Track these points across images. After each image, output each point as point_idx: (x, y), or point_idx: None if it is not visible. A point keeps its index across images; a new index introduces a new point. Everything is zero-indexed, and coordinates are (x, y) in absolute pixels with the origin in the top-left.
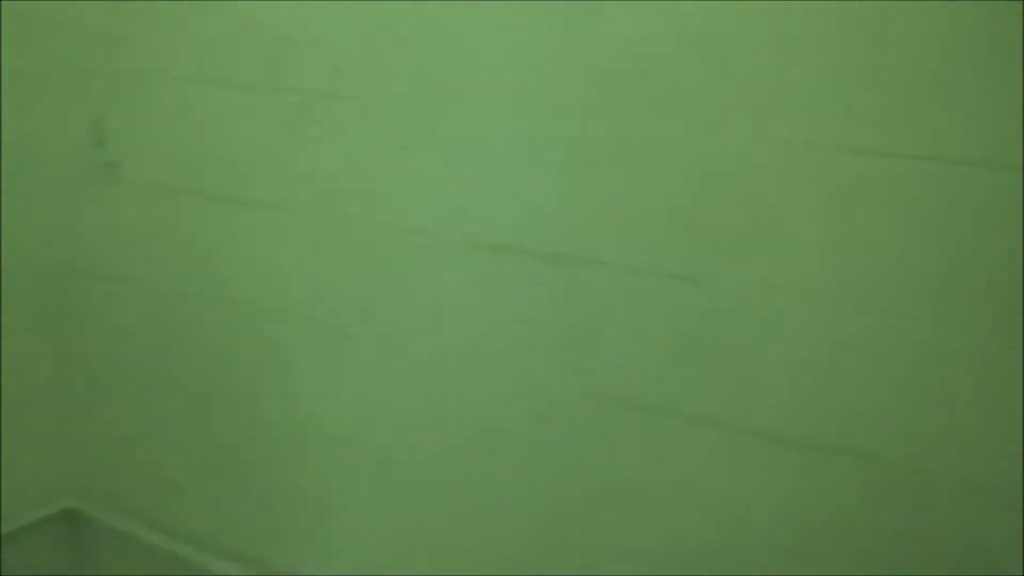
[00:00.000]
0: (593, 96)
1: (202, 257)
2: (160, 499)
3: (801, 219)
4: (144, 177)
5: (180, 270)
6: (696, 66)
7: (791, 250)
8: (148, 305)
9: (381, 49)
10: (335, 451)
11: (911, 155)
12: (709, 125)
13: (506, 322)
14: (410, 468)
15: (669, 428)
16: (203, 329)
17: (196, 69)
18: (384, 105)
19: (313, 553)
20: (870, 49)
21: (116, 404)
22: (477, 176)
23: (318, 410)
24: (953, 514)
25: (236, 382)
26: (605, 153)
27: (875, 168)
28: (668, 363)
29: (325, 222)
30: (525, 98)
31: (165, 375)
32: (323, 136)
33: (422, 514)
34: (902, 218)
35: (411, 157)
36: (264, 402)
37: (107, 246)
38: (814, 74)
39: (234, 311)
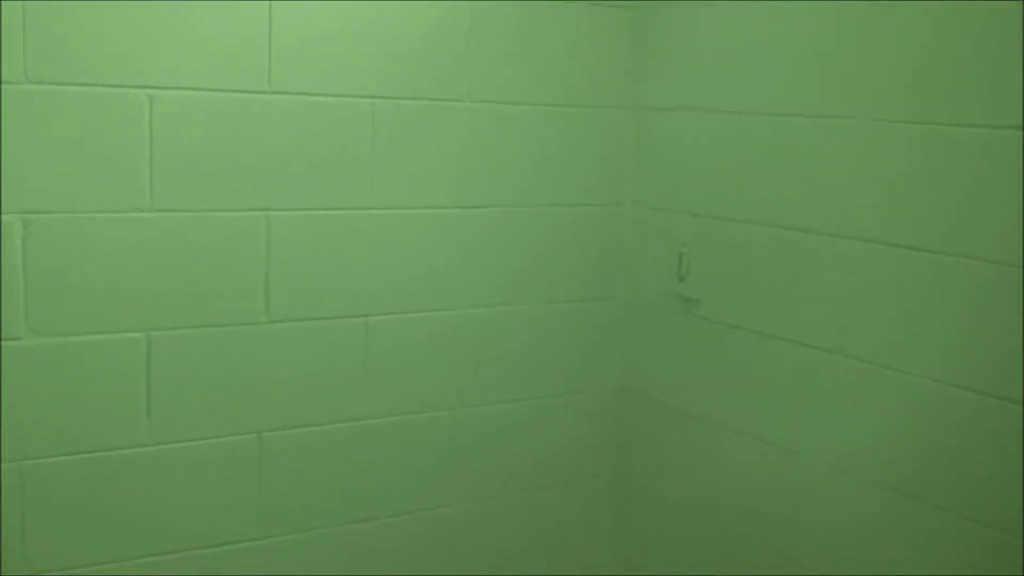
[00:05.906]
0: None
1: (764, 400)
2: None
3: None
4: (718, 315)
5: (739, 409)
6: None
7: None
8: (700, 438)
9: None
10: None
11: None
12: None
13: None
14: None
15: None
16: (755, 473)
17: (775, 216)
18: None
19: None
20: None
21: (649, 522)
22: None
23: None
24: None
25: (775, 536)
26: None
27: None
28: None
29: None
30: None
31: (707, 506)
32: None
33: None
34: None
35: None
36: (802, 561)
37: (670, 376)
38: None
39: (788, 458)
